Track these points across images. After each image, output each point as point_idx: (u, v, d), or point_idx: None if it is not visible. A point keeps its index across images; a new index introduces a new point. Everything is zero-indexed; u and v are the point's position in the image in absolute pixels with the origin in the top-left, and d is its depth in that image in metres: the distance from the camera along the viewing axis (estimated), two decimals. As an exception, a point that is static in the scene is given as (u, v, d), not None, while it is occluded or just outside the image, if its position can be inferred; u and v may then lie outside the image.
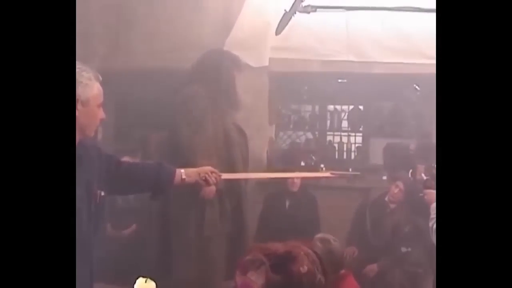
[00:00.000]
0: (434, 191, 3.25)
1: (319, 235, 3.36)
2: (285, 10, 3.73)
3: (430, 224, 3.33)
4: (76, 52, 1.85)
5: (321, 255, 3.05)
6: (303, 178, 4.76)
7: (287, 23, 3.89)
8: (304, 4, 3.54)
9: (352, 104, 6.76)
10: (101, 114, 2.33)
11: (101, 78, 2.32)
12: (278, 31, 4.01)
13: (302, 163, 5.54)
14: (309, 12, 3.56)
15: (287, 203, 4.81)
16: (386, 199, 4.71)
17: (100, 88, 2.31)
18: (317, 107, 6.87)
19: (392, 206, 4.67)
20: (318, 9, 3.55)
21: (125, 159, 3.13)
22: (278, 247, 1.67)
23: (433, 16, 2.04)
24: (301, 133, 6.92)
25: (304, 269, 1.64)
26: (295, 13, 3.67)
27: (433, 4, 1.90)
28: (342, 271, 3.24)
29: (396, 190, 4.64)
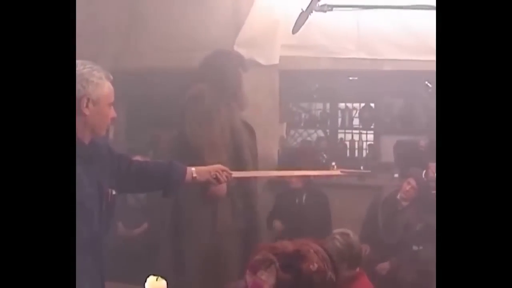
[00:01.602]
0: None
1: (338, 230, 3.34)
2: (302, 9, 3.72)
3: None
4: (78, 51, 1.85)
5: (341, 248, 3.08)
6: (314, 177, 4.75)
7: (304, 22, 3.88)
8: (320, 3, 3.52)
9: (363, 102, 6.75)
10: (112, 113, 2.34)
11: (112, 78, 2.33)
12: (295, 30, 4.00)
13: (313, 161, 5.53)
14: (325, 11, 3.53)
15: (298, 201, 4.81)
16: (398, 196, 4.68)
17: (111, 87, 2.32)
18: (328, 105, 6.86)
19: (404, 203, 4.65)
20: (334, 8, 3.53)
21: (136, 158, 3.14)
22: (287, 245, 1.66)
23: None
24: (312, 131, 6.92)
25: (314, 267, 1.64)
26: (312, 12, 3.65)
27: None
28: (357, 270, 3.23)
29: (408, 187, 4.61)
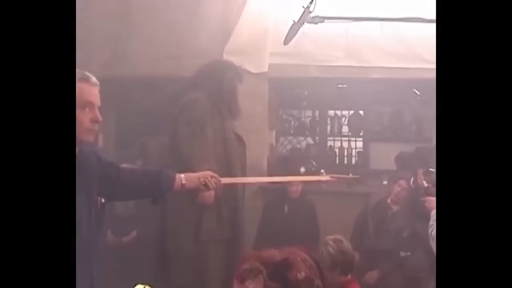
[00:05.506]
0: (435, 199, 3.24)
1: (331, 236, 3.34)
2: (293, 20, 3.73)
3: (429, 230, 3.32)
4: (75, 58, 1.86)
5: (334, 254, 3.08)
6: (303, 184, 4.76)
7: (295, 34, 3.89)
8: (312, 15, 3.52)
9: (352, 109, 6.79)
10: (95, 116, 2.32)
11: (98, 83, 2.32)
12: (286, 41, 4.01)
13: (303, 169, 5.54)
14: (317, 23, 3.54)
15: (287, 209, 4.80)
16: (389, 200, 4.69)
17: (97, 92, 2.31)
18: (317, 112, 6.89)
19: (395, 208, 4.65)
20: (326, 20, 3.53)
21: (125, 165, 3.13)
22: (275, 254, 1.67)
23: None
24: (301, 138, 6.94)
25: (301, 275, 1.64)
26: (303, 23, 3.66)
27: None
28: (349, 277, 3.23)
29: (399, 189, 4.62)
